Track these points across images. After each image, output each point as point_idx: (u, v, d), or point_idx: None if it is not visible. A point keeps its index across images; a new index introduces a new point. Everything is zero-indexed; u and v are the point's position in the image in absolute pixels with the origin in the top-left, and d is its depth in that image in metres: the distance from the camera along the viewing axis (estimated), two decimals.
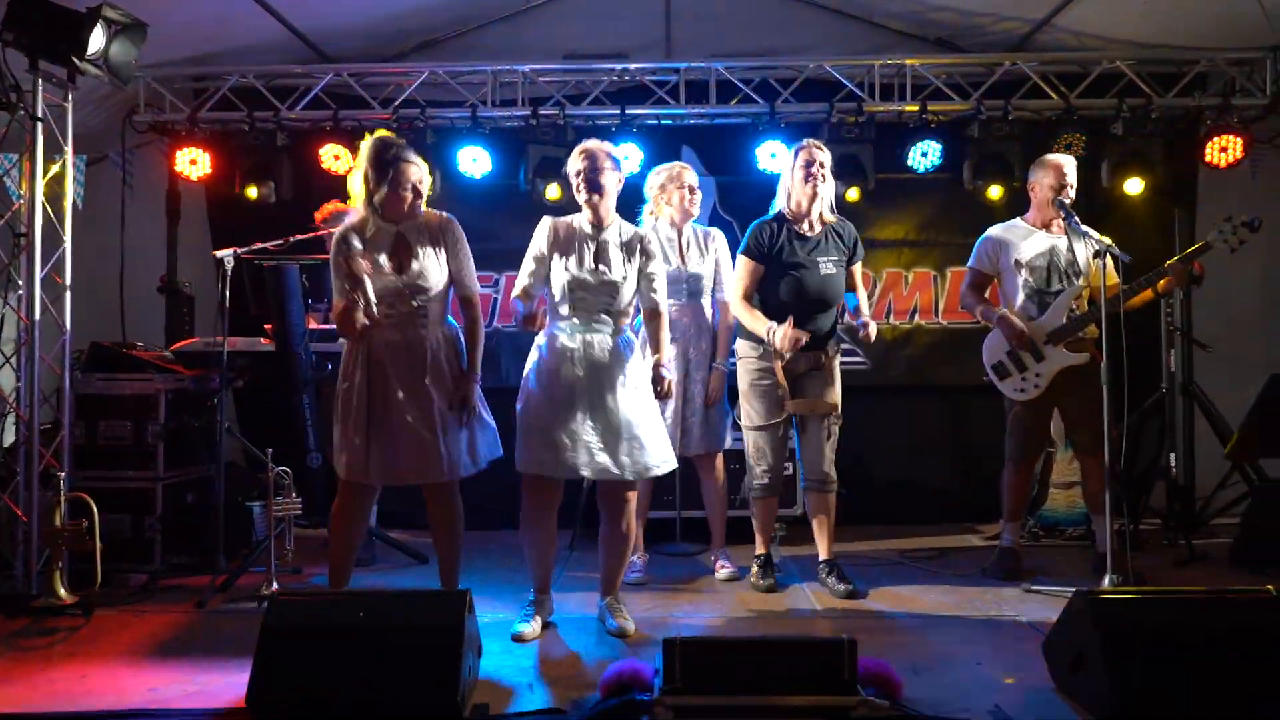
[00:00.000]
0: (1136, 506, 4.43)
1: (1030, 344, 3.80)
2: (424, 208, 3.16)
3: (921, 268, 5.33)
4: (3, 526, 3.87)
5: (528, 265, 3.19)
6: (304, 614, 2.46)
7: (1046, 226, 3.91)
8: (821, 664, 2.30)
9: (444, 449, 3.05)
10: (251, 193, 5.06)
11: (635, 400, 3.15)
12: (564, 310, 3.16)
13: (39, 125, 3.79)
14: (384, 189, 3.03)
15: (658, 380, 3.22)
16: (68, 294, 3.93)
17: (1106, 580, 3.41)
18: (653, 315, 3.27)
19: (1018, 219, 4.01)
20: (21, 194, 3.86)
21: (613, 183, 3.20)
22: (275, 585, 3.55)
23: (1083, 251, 3.83)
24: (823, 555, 3.75)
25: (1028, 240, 3.90)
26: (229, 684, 2.60)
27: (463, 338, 3.19)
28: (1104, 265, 3.60)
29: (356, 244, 3.03)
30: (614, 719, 2.32)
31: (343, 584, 3.21)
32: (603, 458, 3.07)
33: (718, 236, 4.06)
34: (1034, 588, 3.66)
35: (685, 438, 3.88)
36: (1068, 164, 3.89)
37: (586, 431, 3.08)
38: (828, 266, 3.65)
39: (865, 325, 3.60)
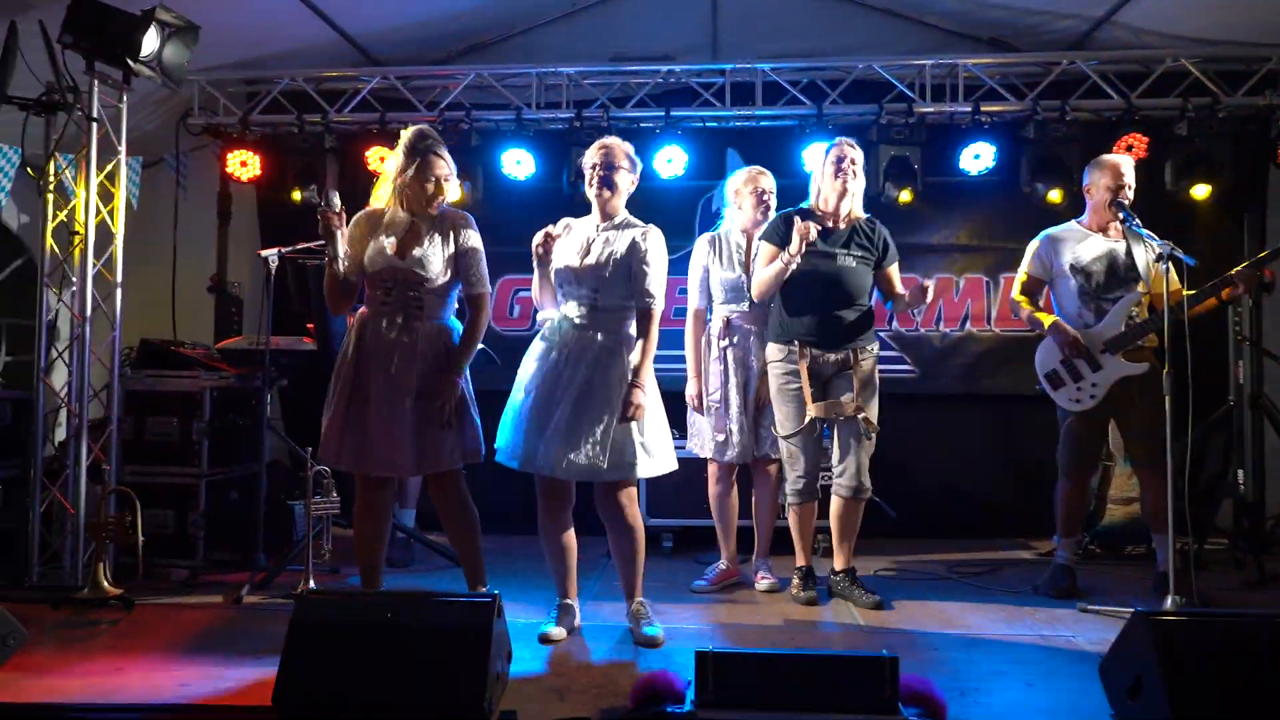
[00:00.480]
0: (1201, 524, 4.21)
1: (1086, 352, 3.65)
2: (446, 205, 3.15)
3: (973, 273, 5.18)
4: (53, 519, 3.95)
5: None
6: (332, 613, 2.43)
7: (1104, 230, 3.76)
8: (861, 681, 2.21)
9: (412, 444, 3.01)
10: (296, 195, 5.12)
11: (616, 399, 3.04)
12: (558, 301, 3.17)
13: (94, 125, 3.87)
14: (409, 175, 3.06)
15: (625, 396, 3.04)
16: (119, 291, 4.00)
17: (1168, 601, 3.24)
18: (641, 316, 3.14)
19: (1073, 222, 3.86)
20: (78, 193, 3.94)
21: (626, 182, 3.18)
22: (311, 584, 3.56)
23: (1143, 256, 3.67)
24: (838, 565, 3.66)
25: (1084, 244, 3.74)
26: (259, 681, 2.59)
27: (462, 335, 3.15)
28: (1166, 270, 3.43)
29: (363, 222, 3.11)
30: None
31: (374, 584, 3.19)
32: (581, 456, 2.99)
33: None
34: (1090, 607, 3.50)
35: (759, 446, 3.80)
36: (1125, 163, 3.74)
37: (566, 428, 3.01)
38: (848, 260, 3.56)
39: (924, 287, 3.46)
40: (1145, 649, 2.28)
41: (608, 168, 3.14)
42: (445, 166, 3.11)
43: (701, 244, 3.93)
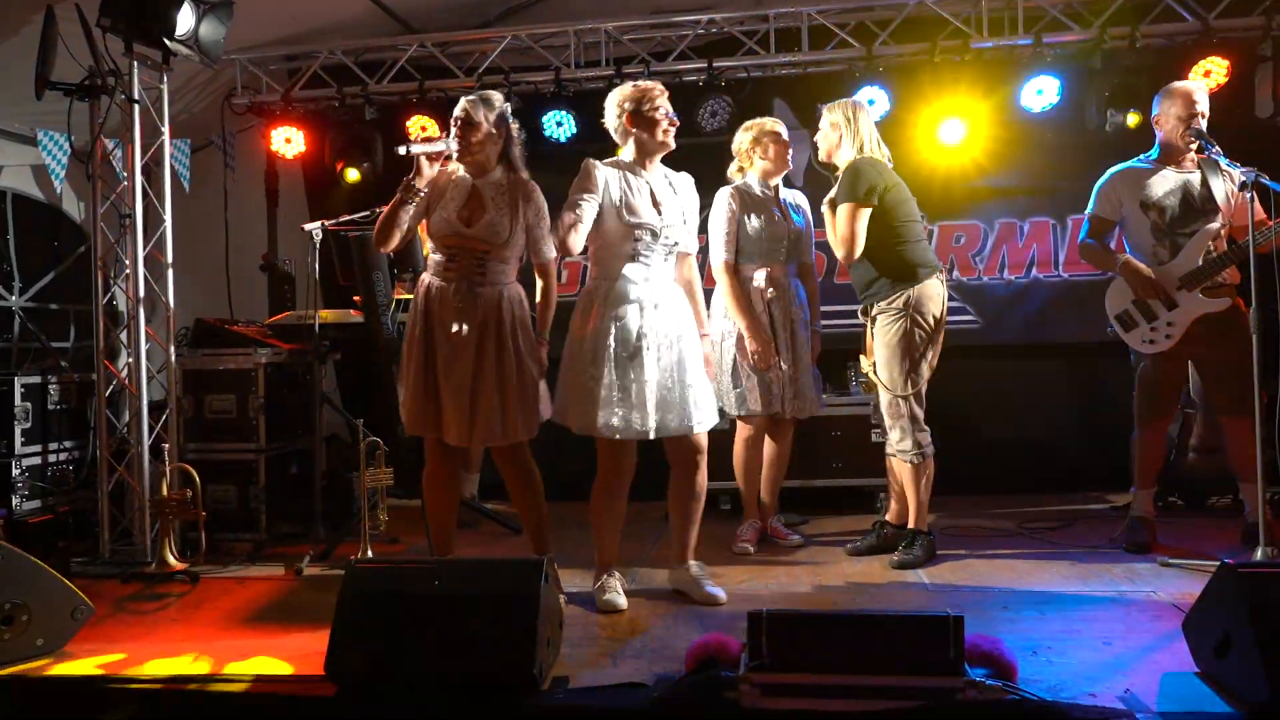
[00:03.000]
0: None
1: (1160, 291, 3.43)
2: (482, 151, 3.05)
3: (1039, 216, 4.92)
4: (123, 497, 4.05)
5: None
6: (380, 582, 2.41)
7: (1177, 163, 3.51)
8: (924, 642, 2.10)
9: (479, 413, 2.97)
10: (351, 175, 5.13)
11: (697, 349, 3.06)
12: (630, 255, 2.99)
13: (136, 107, 3.89)
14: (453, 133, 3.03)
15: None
16: (169, 272, 4.05)
17: (1259, 553, 3.05)
18: (693, 263, 3.15)
19: (1140, 157, 3.61)
20: (125, 176, 3.98)
21: None
22: (369, 554, 3.58)
23: (1221, 186, 3.42)
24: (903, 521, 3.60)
25: (1155, 178, 3.50)
26: (317, 650, 2.59)
27: (539, 304, 3.14)
28: (1251, 199, 3.18)
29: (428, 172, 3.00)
30: (697, 694, 2.19)
31: (446, 552, 3.18)
32: (674, 415, 2.94)
33: (802, 197, 3.92)
34: (1172, 561, 3.31)
35: (799, 399, 3.72)
36: (1197, 90, 3.48)
37: (663, 385, 2.94)
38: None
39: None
40: (1235, 603, 2.13)
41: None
42: (458, 108, 3.03)
43: (723, 197, 3.78)
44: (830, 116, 3.51)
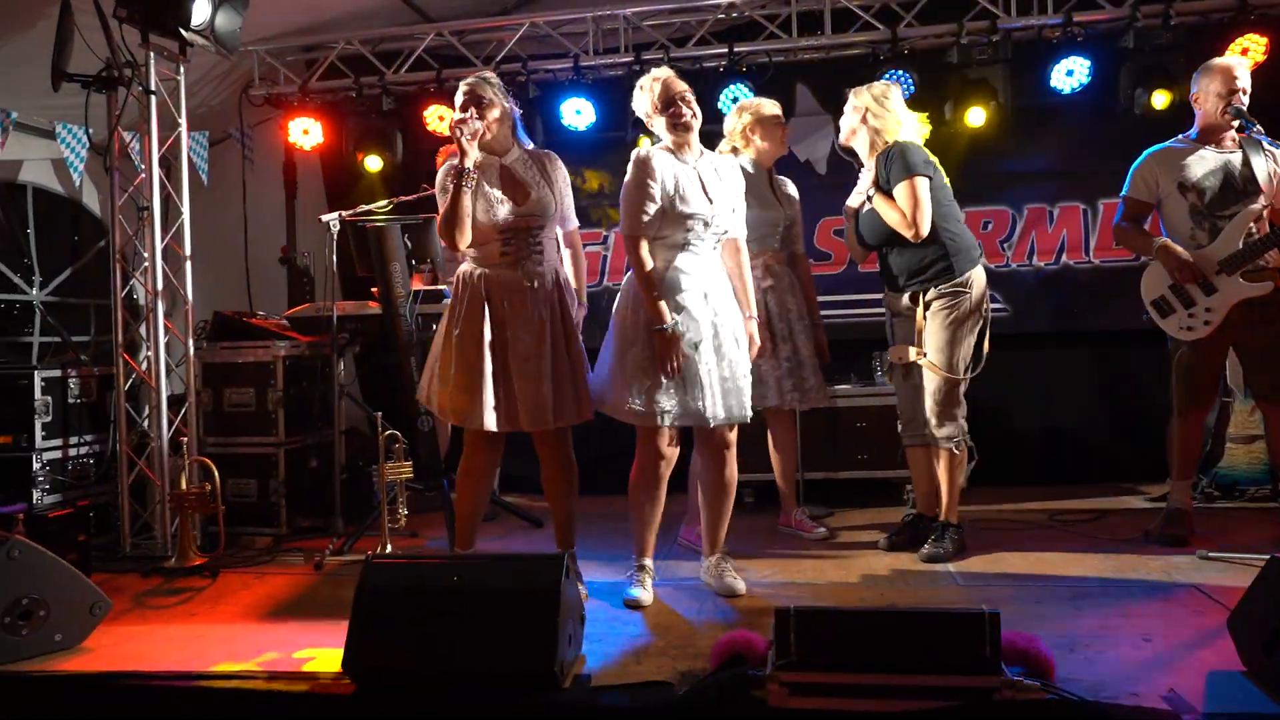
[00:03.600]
0: None
1: (1199, 275, 3.31)
2: (501, 129, 2.99)
3: (1069, 201, 4.79)
4: (143, 491, 4.04)
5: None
6: (398, 578, 2.37)
7: (1217, 142, 3.38)
8: (959, 639, 2.03)
9: (550, 394, 2.93)
10: (372, 164, 5.10)
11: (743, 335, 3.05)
12: (682, 245, 2.93)
13: (153, 99, 3.86)
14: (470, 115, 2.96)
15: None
16: (188, 264, 4.03)
17: None
18: (739, 248, 3.09)
19: (1179, 137, 3.49)
20: (143, 168, 3.96)
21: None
22: (388, 548, 3.55)
23: (1264, 166, 3.29)
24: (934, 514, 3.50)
25: (1193, 158, 3.38)
26: (334, 646, 2.56)
27: (571, 269, 3.13)
28: None
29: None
30: (723, 693, 2.12)
31: (468, 546, 3.13)
32: (735, 401, 2.93)
33: (793, 187, 3.83)
34: (1212, 554, 3.21)
35: (798, 391, 3.64)
36: (1238, 65, 3.35)
37: (722, 373, 2.92)
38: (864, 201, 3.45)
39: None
40: None
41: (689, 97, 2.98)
42: (463, 87, 2.97)
43: None
44: (855, 101, 3.41)
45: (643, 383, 2.87)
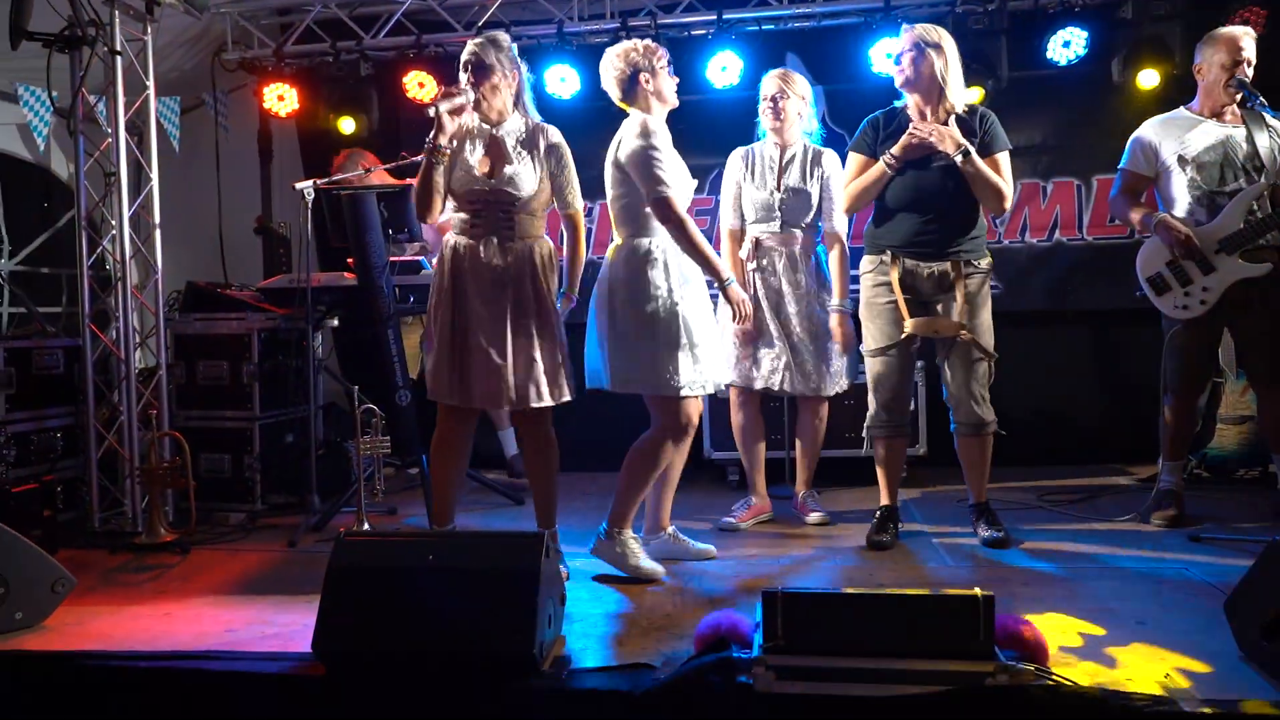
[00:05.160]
0: None
1: (1197, 252, 3.24)
2: (498, 97, 2.90)
3: (1062, 176, 4.70)
4: (114, 466, 3.93)
5: None
6: (371, 556, 2.28)
7: (1218, 115, 3.30)
8: (951, 623, 1.96)
9: (512, 374, 2.84)
10: (345, 126, 4.95)
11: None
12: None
13: (118, 60, 3.71)
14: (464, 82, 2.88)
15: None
16: (157, 232, 3.90)
17: None
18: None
19: (1181, 109, 3.41)
20: (110, 132, 3.81)
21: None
22: (366, 526, 3.46)
23: (1267, 142, 3.21)
24: (973, 498, 3.35)
25: (1194, 132, 3.30)
26: (306, 626, 2.46)
27: (567, 257, 3.05)
28: None
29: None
30: (708, 677, 2.05)
31: (445, 523, 3.06)
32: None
33: (828, 159, 3.58)
34: (1204, 535, 3.16)
35: (787, 374, 3.54)
36: (1244, 36, 3.26)
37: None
38: (940, 160, 3.11)
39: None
40: None
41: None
42: (465, 50, 2.88)
43: (735, 159, 3.64)
44: (932, 38, 3.10)
45: (706, 355, 2.91)
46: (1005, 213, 3.13)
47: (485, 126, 2.92)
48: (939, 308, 3.20)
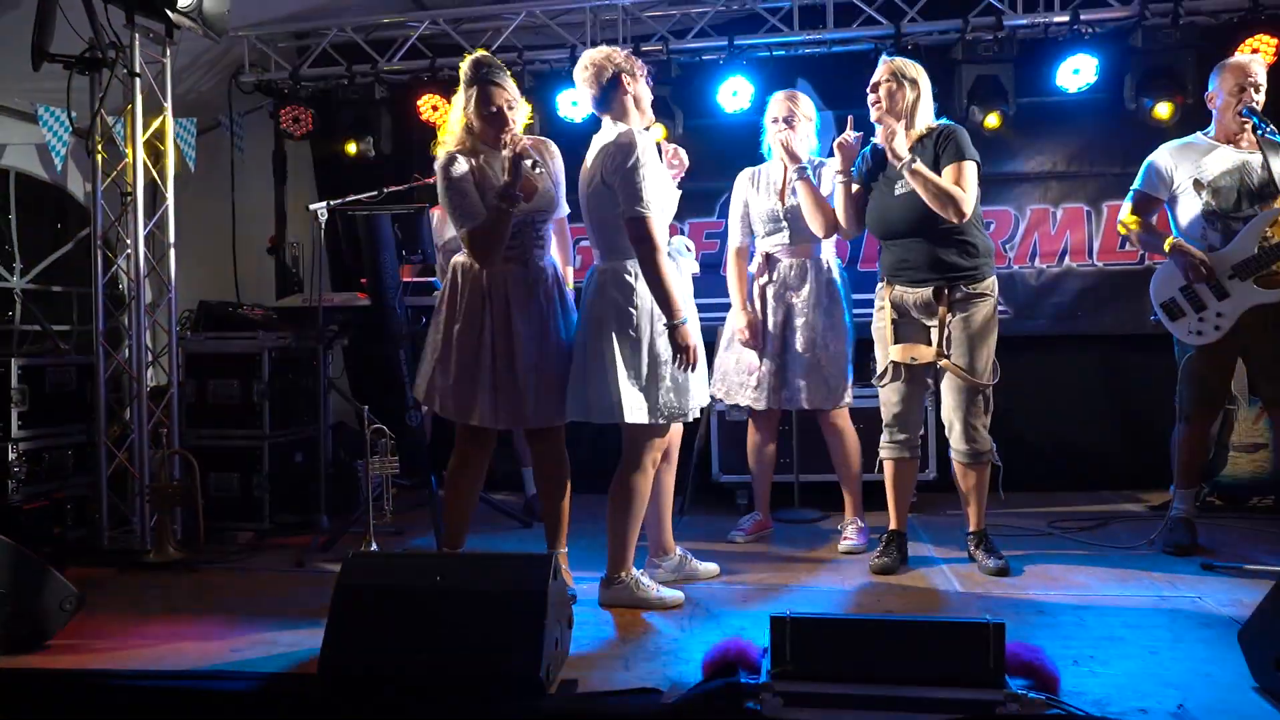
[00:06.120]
0: None
1: (1212, 277, 3.22)
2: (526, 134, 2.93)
3: (1072, 203, 4.71)
4: (124, 484, 3.94)
5: None
6: (378, 577, 2.28)
7: (1234, 141, 3.30)
8: (961, 650, 1.95)
9: (538, 392, 2.87)
10: (350, 149, 5.00)
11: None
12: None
13: (137, 81, 3.76)
14: (471, 108, 2.86)
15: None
16: (171, 252, 3.93)
17: None
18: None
19: (1198, 134, 3.41)
20: (127, 152, 3.86)
21: None
22: (374, 546, 3.45)
23: None
24: (970, 526, 3.31)
25: (1211, 156, 3.30)
26: (313, 646, 2.46)
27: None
28: None
29: (463, 164, 2.82)
30: (715, 702, 2.04)
31: (455, 546, 3.04)
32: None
33: (828, 171, 3.57)
34: (1216, 564, 3.13)
35: (786, 390, 3.55)
36: (1253, 63, 3.28)
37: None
38: (905, 187, 3.08)
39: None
40: None
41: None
42: (505, 94, 2.85)
43: (742, 179, 3.69)
44: (902, 69, 3.15)
45: (673, 380, 2.80)
46: (963, 217, 3.02)
47: (493, 151, 2.88)
48: (931, 334, 3.19)
